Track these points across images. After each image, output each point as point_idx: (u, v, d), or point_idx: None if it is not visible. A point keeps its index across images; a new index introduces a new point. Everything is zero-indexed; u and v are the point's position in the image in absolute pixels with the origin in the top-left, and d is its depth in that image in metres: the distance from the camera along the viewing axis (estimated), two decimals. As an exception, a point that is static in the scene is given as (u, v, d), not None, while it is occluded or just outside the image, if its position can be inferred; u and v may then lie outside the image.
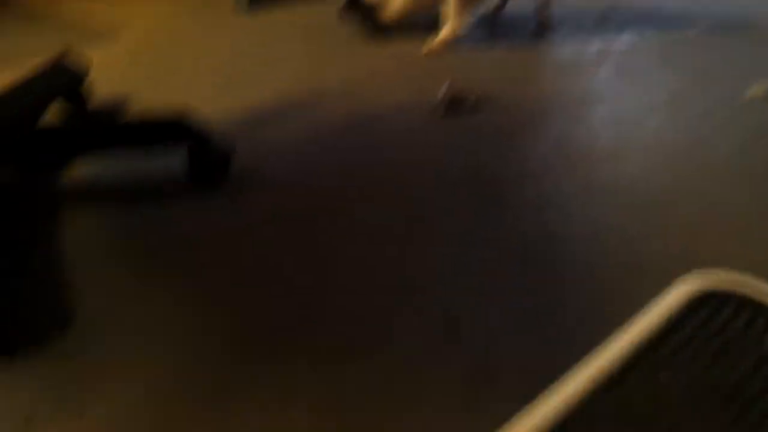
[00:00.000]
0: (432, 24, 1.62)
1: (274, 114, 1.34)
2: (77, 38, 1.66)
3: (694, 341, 0.61)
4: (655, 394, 0.51)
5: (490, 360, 0.72)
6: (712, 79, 1.48)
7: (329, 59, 1.56)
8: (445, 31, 1.63)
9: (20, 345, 0.75)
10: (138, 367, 0.71)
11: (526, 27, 1.77)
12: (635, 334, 0.61)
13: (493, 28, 1.72)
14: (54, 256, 0.89)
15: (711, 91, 1.42)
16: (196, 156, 1.06)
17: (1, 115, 1.09)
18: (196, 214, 1.00)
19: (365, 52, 1.61)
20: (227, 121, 1.29)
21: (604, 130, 1.27)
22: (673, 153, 1.20)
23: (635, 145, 1.22)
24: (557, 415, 0.43)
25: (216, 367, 0.71)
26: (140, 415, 0.64)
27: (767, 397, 0.49)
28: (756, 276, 0.64)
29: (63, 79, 1.28)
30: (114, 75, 1.48)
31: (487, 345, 0.74)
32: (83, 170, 1.12)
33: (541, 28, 1.69)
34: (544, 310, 0.80)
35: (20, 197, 1.02)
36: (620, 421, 0.47)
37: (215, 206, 1.03)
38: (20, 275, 0.83)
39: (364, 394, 0.66)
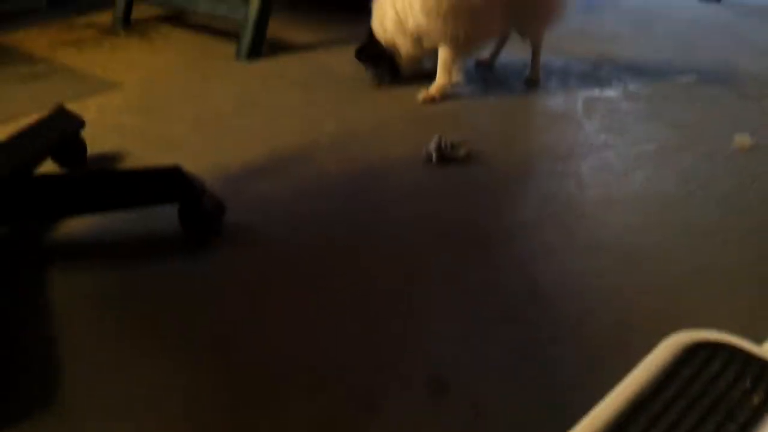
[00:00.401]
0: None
1: (268, 168, 1.35)
2: (76, 88, 1.69)
3: (685, 397, 0.62)
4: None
5: (479, 423, 0.72)
6: (698, 132, 1.51)
7: (328, 109, 1.58)
8: (438, 80, 1.64)
9: None
10: None
11: (519, 77, 1.80)
12: (628, 392, 0.62)
13: (486, 77, 1.75)
14: (38, 319, 0.88)
15: (697, 144, 1.45)
16: (188, 211, 1.07)
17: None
18: (187, 271, 1.01)
19: (367, 99, 1.63)
20: (221, 174, 1.30)
21: (593, 183, 1.28)
22: (660, 206, 1.21)
23: (623, 198, 1.24)
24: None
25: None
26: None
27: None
28: (742, 336, 0.65)
29: (57, 132, 1.29)
30: (110, 127, 1.49)
31: (477, 406, 0.74)
32: (72, 224, 1.13)
33: (532, 79, 1.72)
34: (532, 369, 0.80)
35: (6, 253, 1.03)
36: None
37: (206, 263, 1.03)
38: None
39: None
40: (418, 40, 1.63)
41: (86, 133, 1.33)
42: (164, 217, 1.07)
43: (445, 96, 1.64)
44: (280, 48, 1.99)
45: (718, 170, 1.34)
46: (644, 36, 2.19)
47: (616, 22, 2.34)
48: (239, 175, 1.30)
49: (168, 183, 1.11)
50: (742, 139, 1.44)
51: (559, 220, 1.16)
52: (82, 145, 1.34)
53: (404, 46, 1.65)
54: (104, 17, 2.26)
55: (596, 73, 1.83)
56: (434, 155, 1.34)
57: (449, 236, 1.11)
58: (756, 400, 0.61)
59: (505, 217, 1.17)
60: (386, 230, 1.13)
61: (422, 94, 1.63)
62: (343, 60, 1.81)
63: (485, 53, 1.84)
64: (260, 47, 1.92)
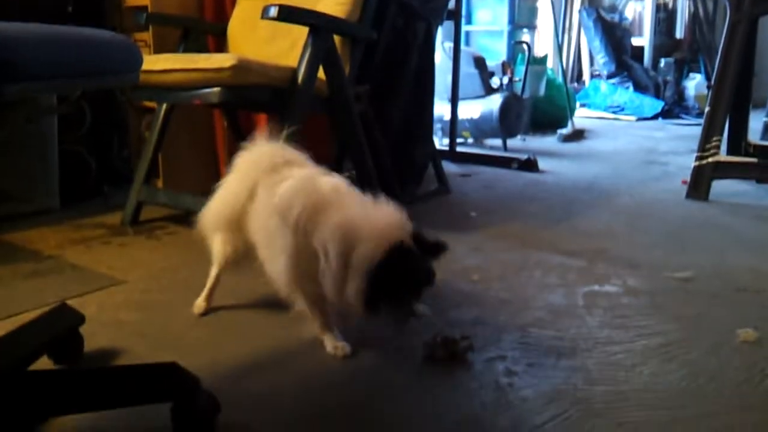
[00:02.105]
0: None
1: (269, 362, 1.32)
2: (79, 285, 1.71)
3: None
4: None
5: None
6: (701, 326, 1.50)
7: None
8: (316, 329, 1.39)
9: None
10: None
11: (524, 271, 1.83)
12: None
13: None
14: None
15: (702, 337, 1.43)
16: (181, 410, 1.03)
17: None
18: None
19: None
20: (219, 370, 1.28)
21: (601, 377, 1.25)
22: (669, 401, 1.17)
23: (632, 392, 1.20)
24: None
25: None
26: None
27: None
28: None
29: (55, 328, 1.29)
30: (108, 323, 1.49)
31: None
32: (64, 421, 1.08)
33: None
34: None
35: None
36: None
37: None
38: None
39: None
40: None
41: (84, 330, 1.32)
42: (159, 415, 1.03)
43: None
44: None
45: (725, 364, 1.31)
46: (638, 233, 2.26)
47: (610, 219, 2.43)
48: (238, 370, 1.28)
49: (161, 381, 1.08)
50: (747, 334, 1.43)
51: (569, 415, 1.11)
52: (79, 342, 1.32)
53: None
54: (115, 218, 2.35)
55: (594, 269, 1.86)
56: (440, 351, 1.32)
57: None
58: None
59: (511, 418, 1.12)
60: (381, 428, 1.08)
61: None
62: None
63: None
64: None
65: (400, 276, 1.20)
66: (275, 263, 1.32)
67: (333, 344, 1.34)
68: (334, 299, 1.25)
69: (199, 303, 1.55)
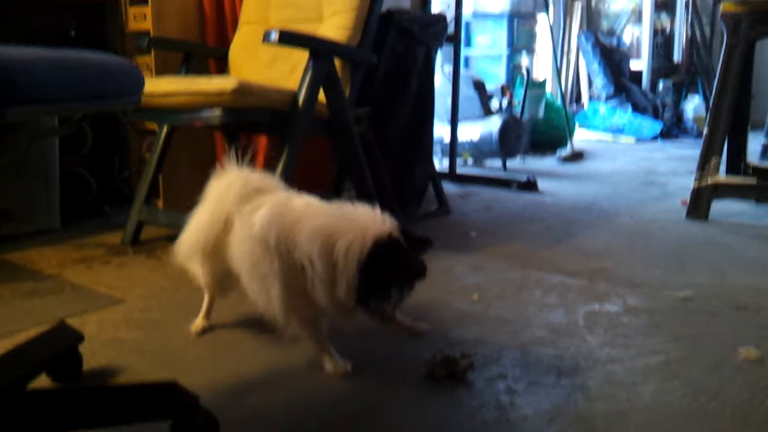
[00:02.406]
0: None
1: (268, 380, 1.32)
2: (78, 304, 1.70)
3: None
4: None
5: None
6: (701, 344, 1.49)
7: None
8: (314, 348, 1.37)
9: None
10: None
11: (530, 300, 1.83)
12: None
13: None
14: None
15: (703, 356, 1.43)
16: (181, 429, 1.03)
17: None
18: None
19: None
20: (218, 388, 1.27)
21: (601, 396, 1.25)
22: (670, 420, 1.17)
23: (632, 411, 1.19)
24: None
25: None
26: None
27: None
28: None
29: (54, 347, 1.28)
30: (108, 342, 1.49)
31: None
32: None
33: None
34: None
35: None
36: None
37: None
38: None
39: None
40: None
41: (84, 348, 1.32)
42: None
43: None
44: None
45: (727, 382, 1.31)
46: (637, 252, 2.26)
47: (610, 239, 2.43)
48: (237, 388, 1.27)
49: (160, 399, 1.08)
50: (748, 352, 1.43)
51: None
52: (78, 360, 1.32)
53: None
54: (115, 237, 2.36)
55: (594, 288, 1.86)
56: (440, 369, 1.32)
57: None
58: None
59: (512, 433, 1.12)
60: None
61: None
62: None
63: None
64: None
65: (391, 266, 1.20)
66: (266, 293, 1.31)
67: (332, 363, 1.34)
68: (326, 304, 1.24)
69: (198, 322, 1.55)
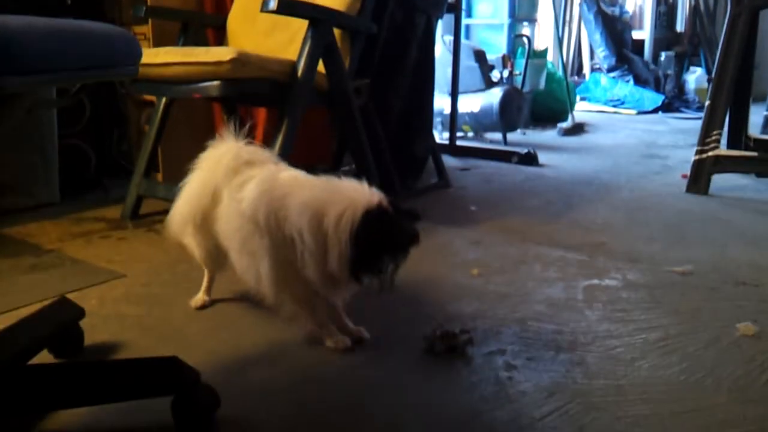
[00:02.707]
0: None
1: (267, 355, 1.33)
2: (79, 279, 1.71)
3: None
4: None
5: None
6: (700, 319, 1.50)
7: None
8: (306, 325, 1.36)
9: None
10: None
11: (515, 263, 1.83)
12: None
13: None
14: None
15: (701, 331, 1.43)
16: (181, 404, 1.03)
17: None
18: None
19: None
20: (219, 364, 1.28)
21: (600, 371, 1.25)
22: (668, 395, 1.17)
23: (631, 386, 1.20)
24: None
25: None
26: None
27: None
28: None
29: (55, 322, 1.29)
30: (109, 317, 1.49)
31: None
32: (63, 416, 1.08)
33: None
34: None
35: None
36: None
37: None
38: None
39: None
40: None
41: (85, 323, 1.32)
42: (159, 409, 1.03)
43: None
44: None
45: (725, 357, 1.31)
46: (637, 227, 2.26)
47: (610, 213, 2.43)
48: (238, 364, 1.28)
49: (161, 374, 1.08)
50: (746, 327, 1.43)
51: (568, 409, 1.11)
52: (79, 335, 1.33)
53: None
54: (115, 211, 2.35)
55: (594, 263, 1.86)
56: (439, 344, 1.32)
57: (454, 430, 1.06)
58: None
59: (513, 411, 1.13)
60: (385, 424, 1.08)
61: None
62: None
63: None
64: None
65: (383, 234, 1.20)
66: (255, 269, 1.30)
67: (332, 338, 1.34)
68: (317, 278, 1.24)
69: (199, 297, 1.55)
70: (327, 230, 1.19)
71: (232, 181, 1.33)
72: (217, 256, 1.46)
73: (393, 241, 1.21)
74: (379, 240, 1.19)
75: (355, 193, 1.22)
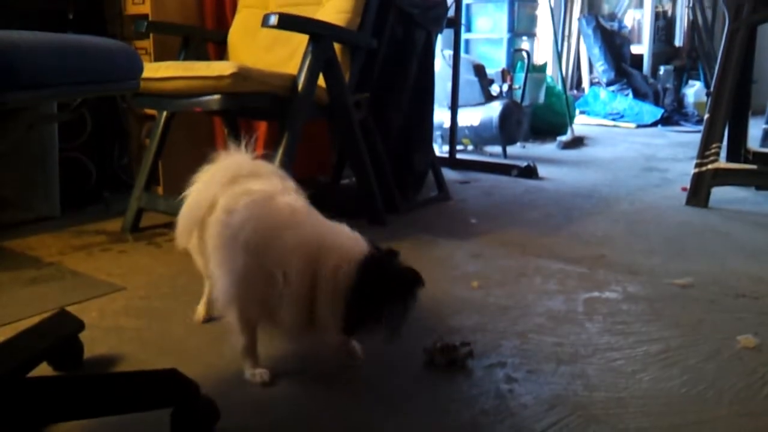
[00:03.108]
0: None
1: (267, 369, 1.32)
2: (79, 291, 1.71)
3: None
4: None
5: None
6: (700, 332, 1.50)
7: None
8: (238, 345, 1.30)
9: None
10: None
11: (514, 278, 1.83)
12: None
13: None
14: None
15: (702, 343, 1.43)
16: (181, 417, 1.03)
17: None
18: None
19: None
20: (218, 377, 1.28)
21: (601, 384, 1.25)
22: (669, 408, 1.17)
23: (632, 399, 1.20)
24: None
25: None
26: None
27: None
28: None
29: (55, 335, 1.29)
30: (109, 329, 1.49)
31: None
32: (62, 429, 1.08)
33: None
34: None
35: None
36: None
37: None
38: None
39: None
40: None
41: (84, 336, 1.32)
42: (159, 421, 1.03)
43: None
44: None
45: (726, 370, 1.31)
46: (637, 239, 2.26)
47: (609, 226, 2.43)
48: (237, 377, 1.27)
49: (161, 387, 1.08)
50: (747, 340, 1.43)
51: (569, 422, 1.11)
52: (78, 348, 1.32)
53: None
54: (115, 224, 2.36)
55: (594, 276, 1.86)
56: (440, 357, 1.32)
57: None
58: None
59: (513, 428, 1.12)
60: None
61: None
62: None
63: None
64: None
65: (388, 285, 1.16)
66: (218, 278, 1.25)
67: (251, 369, 1.27)
68: (292, 322, 1.19)
69: (199, 310, 1.55)
70: (320, 280, 1.15)
71: (229, 191, 1.29)
72: None
73: (393, 292, 1.17)
74: (383, 292, 1.16)
75: (351, 242, 1.19)
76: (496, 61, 5.00)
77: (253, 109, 2.15)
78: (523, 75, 4.41)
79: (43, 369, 1.24)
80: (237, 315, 1.25)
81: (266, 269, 1.18)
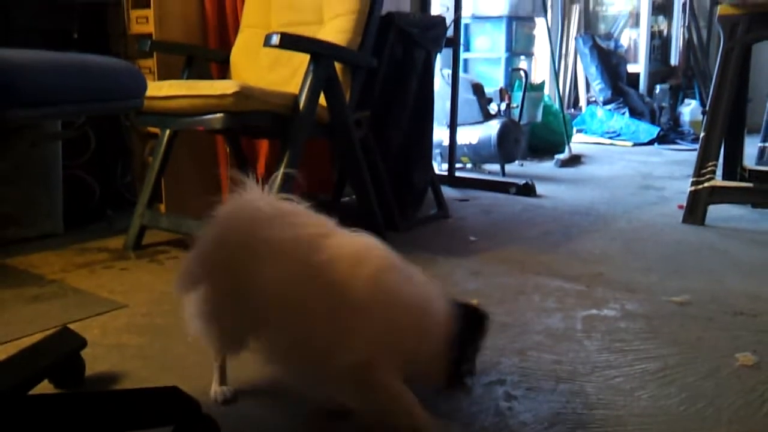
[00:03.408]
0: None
1: (268, 389, 1.33)
2: (82, 309, 1.71)
3: None
4: None
5: None
6: (699, 349, 1.51)
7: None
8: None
9: None
10: None
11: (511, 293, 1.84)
12: None
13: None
14: None
15: (700, 361, 1.44)
16: (185, 434, 1.04)
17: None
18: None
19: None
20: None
21: (600, 401, 1.26)
22: (668, 426, 1.18)
23: (630, 417, 1.20)
24: None
25: None
26: None
27: None
28: None
29: (57, 352, 1.29)
30: (111, 347, 1.50)
31: None
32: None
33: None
34: None
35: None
36: None
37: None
38: None
39: None
40: None
41: (86, 353, 1.33)
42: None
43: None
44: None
45: (724, 388, 1.32)
46: (635, 257, 2.27)
47: (607, 244, 2.45)
48: (238, 394, 1.28)
49: (162, 404, 1.09)
50: (745, 358, 1.44)
51: (567, 442, 1.12)
52: (80, 366, 1.33)
53: None
54: (118, 242, 2.37)
55: (592, 293, 1.88)
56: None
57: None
58: None
59: (512, 439, 1.13)
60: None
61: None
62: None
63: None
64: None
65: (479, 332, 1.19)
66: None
67: (216, 386, 1.27)
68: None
69: None
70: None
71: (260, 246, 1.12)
72: None
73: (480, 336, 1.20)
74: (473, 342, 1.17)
75: (429, 300, 1.17)
76: (494, 80, 5.04)
77: (255, 127, 2.17)
78: (521, 94, 4.45)
79: (45, 386, 1.25)
80: (219, 329, 1.19)
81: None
